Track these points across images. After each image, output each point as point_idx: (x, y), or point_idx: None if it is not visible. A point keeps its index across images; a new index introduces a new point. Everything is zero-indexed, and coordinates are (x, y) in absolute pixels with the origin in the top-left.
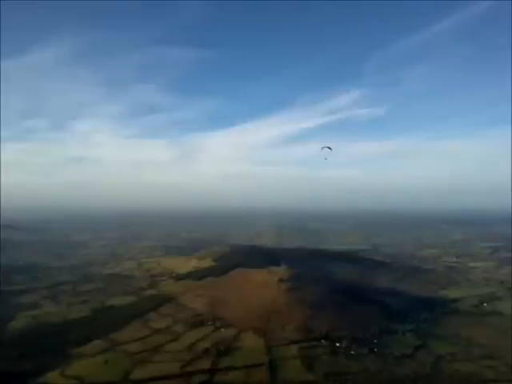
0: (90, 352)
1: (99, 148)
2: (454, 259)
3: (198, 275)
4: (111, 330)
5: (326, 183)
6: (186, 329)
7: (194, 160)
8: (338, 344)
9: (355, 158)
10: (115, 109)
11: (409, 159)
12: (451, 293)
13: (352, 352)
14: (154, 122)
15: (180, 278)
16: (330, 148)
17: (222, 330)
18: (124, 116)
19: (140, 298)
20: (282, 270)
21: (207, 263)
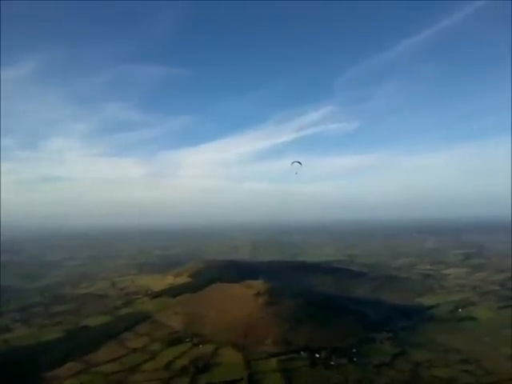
0: (64, 375)
1: (71, 166)
2: (429, 267)
3: (173, 292)
4: (86, 352)
5: (300, 197)
6: (163, 347)
7: (167, 177)
8: (317, 355)
9: (328, 172)
10: (86, 127)
11: (380, 172)
12: (427, 300)
13: (332, 363)
14: (125, 140)
15: (155, 295)
16: (299, 163)
17: (200, 346)
18: (95, 134)
19: (115, 317)
20: (259, 284)
21: (183, 279)
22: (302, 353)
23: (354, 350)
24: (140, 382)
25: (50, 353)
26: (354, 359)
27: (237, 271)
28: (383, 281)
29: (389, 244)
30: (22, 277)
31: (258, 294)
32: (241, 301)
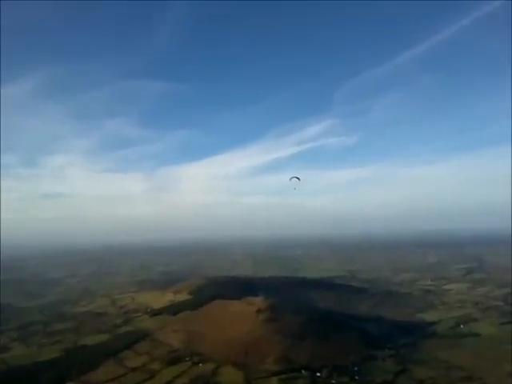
0: None
1: (72, 183)
2: (430, 282)
3: (173, 309)
4: (84, 371)
5: (300, 211)
6: (163, 366)
7: (167, 193)
8: (318, 374)
9: (328, 186)
10: (87, 143)
11: (379, 185)
12: (428, 316)
13: (333, 381)
14: (127, 156)
15: (155, 313)
16: (298, 178)
17: (200, 365)
18: (96, 150)
19: (114, 335)
20: (259, 301)
21: (183, 296)
22: (303, 371)
23: (356, 368)
24: None
25: (49, 372)
26: (356, 377)
27: (237, 287)
28: (384, 296)
29: (389, 258)
30: (22, 295)
31: (259, 311)
32: (241, 318)
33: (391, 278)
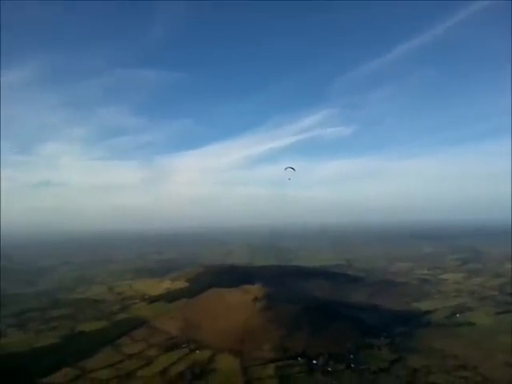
0: (59, 381)
1: (67, 171)
2: (426, 272)
3: (170, 297)
4: (81, 357)
5: (297, 201)
6: (160, 353)
7: (163, 182)
8: (314, 361)
9: (324, 177)
10: (82, 131)
11: (376, 176)
12: (424, 305)
13: (329, 369)
14: (121, 144)
15: (152, 300)
16: (293, 168)
17: (197, 352)
18: (91, 139)
19: (111, 322)
20: (256, 289)
21: (180, 284)
22: (299, 359)
23: (352, 356)
24: None
25: (46, 358)
26: (352, 365)
27: (234, 276)
28: (380, 286)
29: (385, 248)
30: (17, 282)
31: (256, 299)
32: (238, 306)
33: (387, 268)
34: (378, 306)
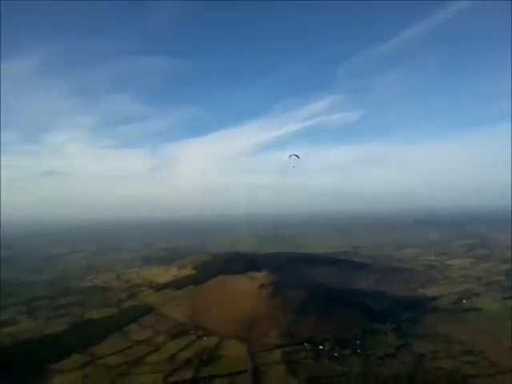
0: (69, 367)
1: (73, 160)
2: (432, 257)
3: (178, 284)
4: (90, 344)
5: (303, 189)
6: (167, 339)
7: (169, 170)
8: (321, 347)
9: (331, 163)
10: (89, 119)
11: (383, 162)
12: (430, 291)
13: (335, 354)
14: (128, 133)
15: (160, 287)
16: (297, 156)
17: (204, 338)
18: (98, 127)
19: (119, 309)
20: (262, 276)
21: (187, 272)
22: (305, 344)
23: (358, 342)
24: (144, 374)
25: (56, 345)
26: (358, 351)
27: (241, 263)
28: (386, 272)
29: (392, 235)
30: (26, 270)
31: (262, 286)
32: (245, 293)
33: (393, 254)
34: (384, 292)
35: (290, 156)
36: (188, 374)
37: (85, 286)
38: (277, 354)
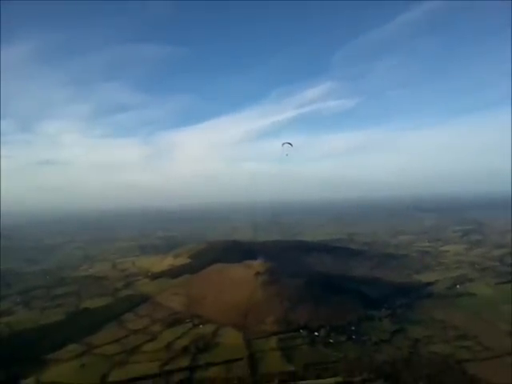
0: (65, 357)
1: (69, 149)
2: (427, 244)
3: (173, 273)
4: (87, 333)
5: (300, 176)
6: (164, 328)
7: (166, 158)
8: (316, 333)
9: (328, 151)
10: (83, 108)
11: (379, 150)
12: (425, 277)
13: (331, 340)
14: (123, 121)
15: (156, 276)
16: (290, 144)
17: (201, 326)
18: (93, 116)
19: (115, 299)
20: (258, 264)
21: (183, 261)
22: (301, 331)
23: (353, 328)
24: (141, 363)
25: (52, 335)
26: (353, 337)
27: (237, 252)
28: (382, 259)
29: (388, 222)
30: (22, 260)
31: (258, 274)
32: (241, 281)
33: (389, 241)
34: (379, 278)
35: (284, 144)
36: (185, 362)
37: (81, 275)
38: (273, 341)
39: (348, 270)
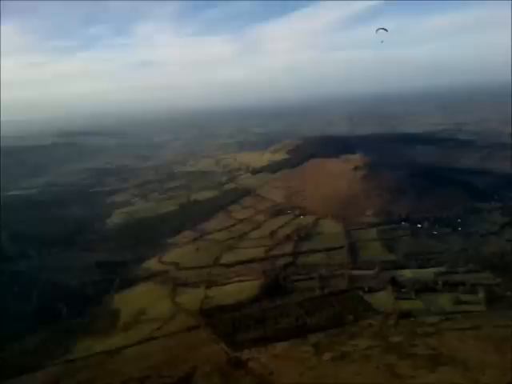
0: (181, 241)
1: (162, 50)
2: None
3: (273, 168)
4: (198, 222)
5: (399, 63)
6: (267, 218)
7: (257, 53)
8: (419, 225)
9: (429, 33)
10: (172, 7)
11: (488, 29)
12: None
13: (434, 232)
14: (212, 17)
15: (256, 171)
16: (385, 29)
17: (301, 217)
18: (182, 14)
19: (221, 191)
20: (357, 158)
21: (281, 156)
22: (402, 223)
23: (459, 220)
24: (249, 248)
25: (168, 223)
26: (459, 229)
27: (334, 146)
28: (493, 149)
29: (500, 109)
30: (134, 157)
31: (357, 168)
32: (339, 175)
33: (502, 130)
34: (489, 169)
35: (377, 30)
36: (288, 249)
37: (188, 170)
38: (373, 232)
39: (455, 161)
